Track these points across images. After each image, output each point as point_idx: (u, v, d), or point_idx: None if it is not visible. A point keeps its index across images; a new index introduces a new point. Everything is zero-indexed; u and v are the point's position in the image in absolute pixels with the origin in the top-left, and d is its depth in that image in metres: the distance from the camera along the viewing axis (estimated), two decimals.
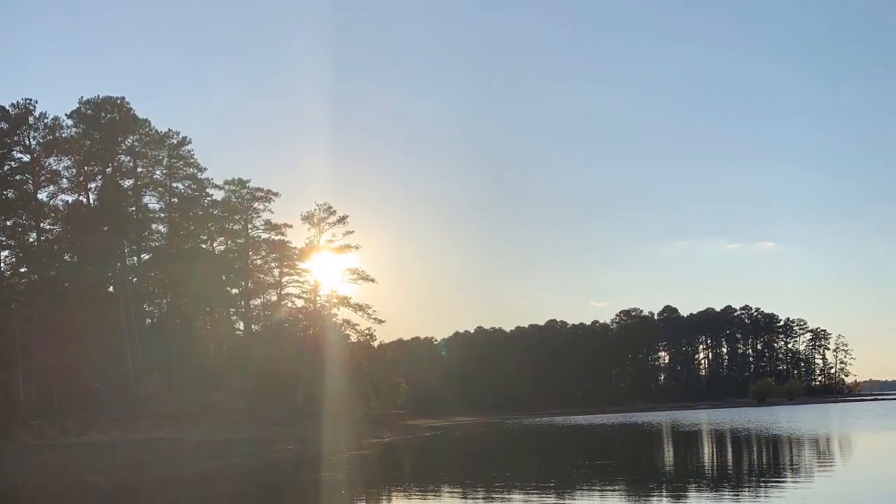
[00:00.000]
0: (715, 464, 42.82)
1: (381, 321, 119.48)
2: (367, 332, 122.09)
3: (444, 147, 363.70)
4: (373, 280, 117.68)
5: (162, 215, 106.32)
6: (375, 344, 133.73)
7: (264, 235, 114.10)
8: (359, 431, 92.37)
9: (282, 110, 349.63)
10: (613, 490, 31.01)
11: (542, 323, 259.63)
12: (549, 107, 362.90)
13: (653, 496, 27.75)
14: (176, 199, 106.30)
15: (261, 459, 64.70)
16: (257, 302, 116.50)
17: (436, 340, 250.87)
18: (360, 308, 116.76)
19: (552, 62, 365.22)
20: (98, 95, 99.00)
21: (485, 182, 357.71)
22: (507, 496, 29.66)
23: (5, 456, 63.79)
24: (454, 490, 34.15)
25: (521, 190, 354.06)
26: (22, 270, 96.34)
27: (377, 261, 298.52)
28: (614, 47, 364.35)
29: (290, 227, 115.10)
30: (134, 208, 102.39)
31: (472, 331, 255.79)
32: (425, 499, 31.77)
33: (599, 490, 30.67)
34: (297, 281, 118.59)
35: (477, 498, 29.24)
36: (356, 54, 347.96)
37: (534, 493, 29.66)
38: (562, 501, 26.62)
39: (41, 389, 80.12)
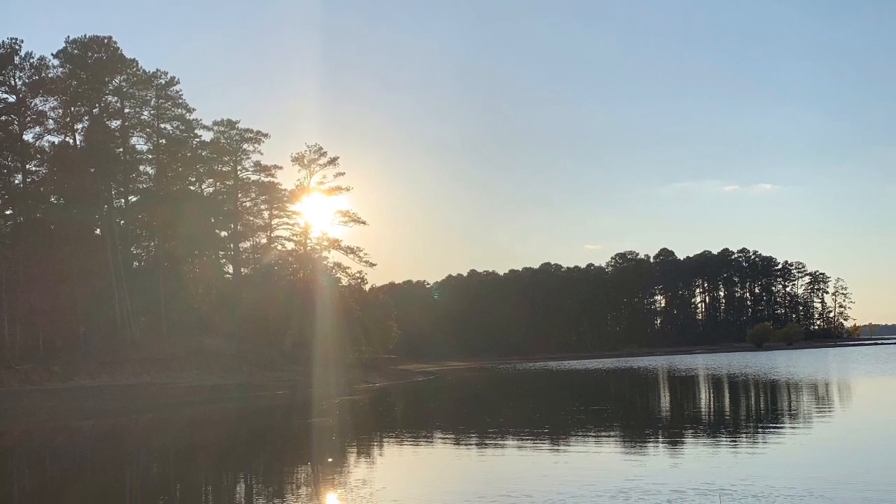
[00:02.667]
0: (712, 409, 42.87)
1: (372, 264, 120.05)
2: (358, 275, 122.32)
3: (437, 86, 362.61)
4: (364, 222, 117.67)
5: (150, 157, 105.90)
6: (367, 287, 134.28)
7: (253, 177, 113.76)
8: (350, 376, 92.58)
9: (271, 49, 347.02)
10: (609, 436, 30.96)
11: (536, 266, 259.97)
12: (543, 45, 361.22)
13: (649, 442, 27.60)
14: (164, 141, 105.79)
15: (250, 405, 64.82)
16: (247, 245, 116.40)
17: (428, 284, 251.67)
18: (350, 251, 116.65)
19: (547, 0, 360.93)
20: (84, 35, 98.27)
21: (478, 122, 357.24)
22: (500, 442, 29.55)
23: None
24: (447, 436, 34.03)
25: (515, 130, 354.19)
26: (7, 213, 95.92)
27: (369, 203, 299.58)
28: None
29: (281, 168, 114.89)
30: (121, 149, 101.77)
31: (465, 274, 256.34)
32: (417, 444, 31.66)
33: (594, 436, 30.60)
34: (288, 223, 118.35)
35: (470, 444, 29.11)
36: None
37: (528, 439, 29.56)
38: (556, 447, 26.45)
39: (27, 333, 79.77)
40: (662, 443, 28.08)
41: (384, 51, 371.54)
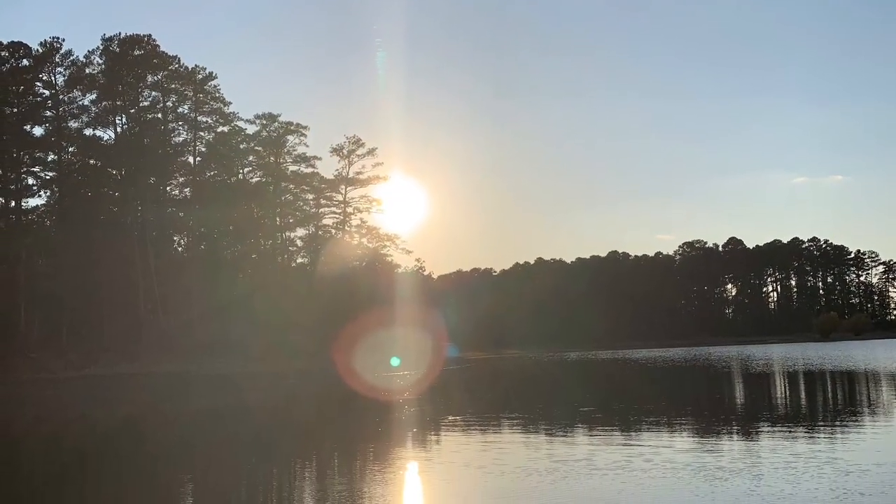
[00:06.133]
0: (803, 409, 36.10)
1: (409, 251, 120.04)
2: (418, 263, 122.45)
3: (513, 71, 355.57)
4: (399, 210, 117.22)
5: (189, 149, 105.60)
6: (426, 275, 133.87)
7: (293, 168, 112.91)
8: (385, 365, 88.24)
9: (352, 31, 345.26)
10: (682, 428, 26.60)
11: (603, 254, 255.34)
12: (619, 33, 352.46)
13: (723, 435, 24.03)
14: (203, 133, 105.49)
15: (277, 393, 59.40)
16: (281, 234, 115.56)
17: (495, 272, 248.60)
18: (388, 239, 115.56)
19: None
20: (120, 33, 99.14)
21: (552, 110, 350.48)
22: (569, 430, 26.00)
23: (0, 387, 63.30)
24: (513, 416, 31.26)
25: (587, 121, 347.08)
26: (40, 202, 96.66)
27: (438, 191, 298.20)
28: None
29: (320, 159, 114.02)
30: (160, 142, 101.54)
31: (532, 262, 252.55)
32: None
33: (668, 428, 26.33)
34: (335, 212, 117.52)
35: (538, 431, 26.27)
36: None
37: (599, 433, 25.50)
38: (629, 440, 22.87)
39: (48, 321, 79.68)
40: (737, 437, 23.87)
41: (466, 35, 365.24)
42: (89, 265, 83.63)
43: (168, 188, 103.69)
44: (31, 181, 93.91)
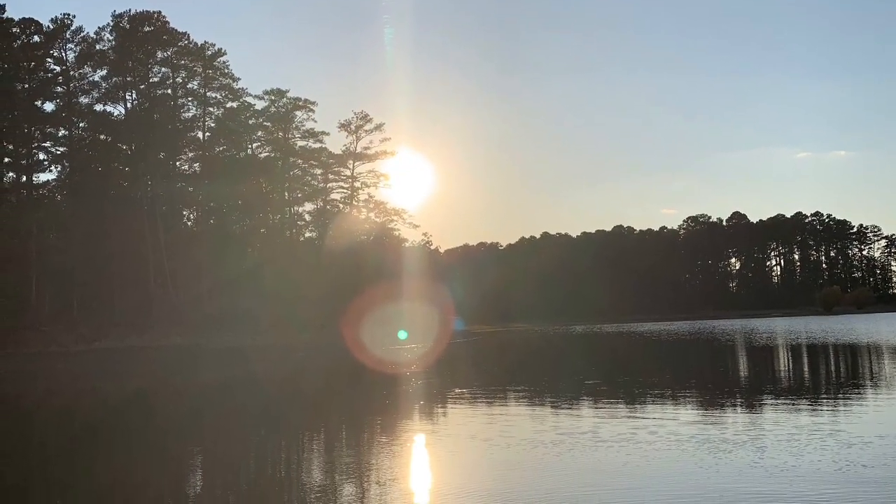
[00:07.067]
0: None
1: (416, 226, 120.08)
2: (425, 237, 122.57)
3: (518, 48, 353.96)
4: (406, 185, 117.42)
5: (198, 124, 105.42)
6: (433, 249, 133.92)
7: (301, 143, 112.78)
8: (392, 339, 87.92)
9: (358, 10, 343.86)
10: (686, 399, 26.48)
11: (608, 228, 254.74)
12: (622, 13, 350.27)
13: (727, 407, 23.87)
14: (212, 109, 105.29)
15: (285, 367, 58.80)
16: (290, 209, 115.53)
17: (501, 246, 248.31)
18: (395, 213, 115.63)
19: None
20: (130, 10, 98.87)
21: (558, 87, 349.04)
22: (575, 403, 25.88)
23: (12, 361, 63.46)
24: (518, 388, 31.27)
25: (592, 97, 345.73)
26: (51, 177, 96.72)
27: (445, 166, 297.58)
28: None
29: (328, 134, 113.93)
30: (169, 118, 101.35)
31: (537, 236, 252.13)
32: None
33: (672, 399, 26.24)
34: (343, 187, 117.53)
35: (544, 404, 26.18)
36: None
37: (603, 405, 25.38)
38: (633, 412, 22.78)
39: (59, 295, 79.74)
40: (741, 409, 23.73)
41: (472, 12, 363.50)
42: (100, 239, 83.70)
43: (178, 163, 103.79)
44: (42, 156, 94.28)
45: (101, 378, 50.72)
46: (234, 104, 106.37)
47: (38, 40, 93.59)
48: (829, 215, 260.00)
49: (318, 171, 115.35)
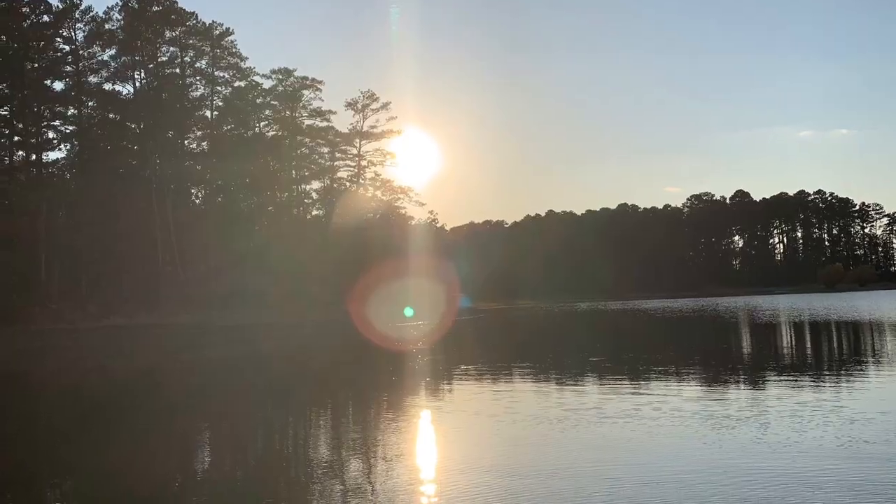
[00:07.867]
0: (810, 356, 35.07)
1: (422, 204, 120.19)
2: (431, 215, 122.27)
3: (523, 27, 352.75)
4: (412, 163, 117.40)
5: (206, 103, 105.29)
6: (439, 226, 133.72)
7: (308, 121, 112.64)
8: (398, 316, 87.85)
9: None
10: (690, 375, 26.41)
11: (613, 207, 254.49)
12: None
13: (730, 384, 23.74)
14: (220, 88, 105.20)
15: (289, 343, 58.71)
16: (297, 187, 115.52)
17: (506, 224, 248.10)
18: (402, 191, 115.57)
19: None
20: None
21: (563, 66, 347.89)
22: (580, 380, 25.80)
23: (20, 337, 63.57)
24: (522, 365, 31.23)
25: (598, 77, 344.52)
26: (60, 155, 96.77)
27: (451, 144, 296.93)
28: None
29: (335, 113, 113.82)
30: (177, 97, 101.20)
31: (543, 214, 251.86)
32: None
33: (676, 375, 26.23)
34: (349, 165, 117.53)
35: (549, 381, 26.14)
36: None
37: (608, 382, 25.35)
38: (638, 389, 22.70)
39: (68, 272, 79.76)
40: (745, 386, 23.72)
41: None
42: (108, 218, 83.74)
43: (186, 142, 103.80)
44: (51, 135, 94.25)
45: (110, 355, 50.60)
46: (242, 83, 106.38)
47: (48, 20, 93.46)
48: (831, 193, 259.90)
49: (325, 150, 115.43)
